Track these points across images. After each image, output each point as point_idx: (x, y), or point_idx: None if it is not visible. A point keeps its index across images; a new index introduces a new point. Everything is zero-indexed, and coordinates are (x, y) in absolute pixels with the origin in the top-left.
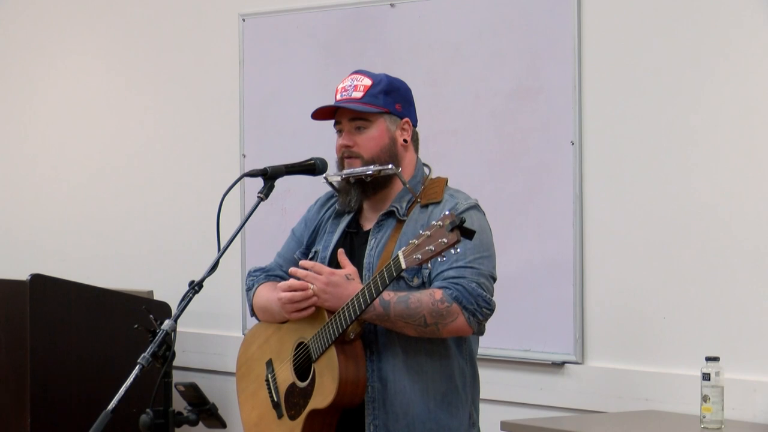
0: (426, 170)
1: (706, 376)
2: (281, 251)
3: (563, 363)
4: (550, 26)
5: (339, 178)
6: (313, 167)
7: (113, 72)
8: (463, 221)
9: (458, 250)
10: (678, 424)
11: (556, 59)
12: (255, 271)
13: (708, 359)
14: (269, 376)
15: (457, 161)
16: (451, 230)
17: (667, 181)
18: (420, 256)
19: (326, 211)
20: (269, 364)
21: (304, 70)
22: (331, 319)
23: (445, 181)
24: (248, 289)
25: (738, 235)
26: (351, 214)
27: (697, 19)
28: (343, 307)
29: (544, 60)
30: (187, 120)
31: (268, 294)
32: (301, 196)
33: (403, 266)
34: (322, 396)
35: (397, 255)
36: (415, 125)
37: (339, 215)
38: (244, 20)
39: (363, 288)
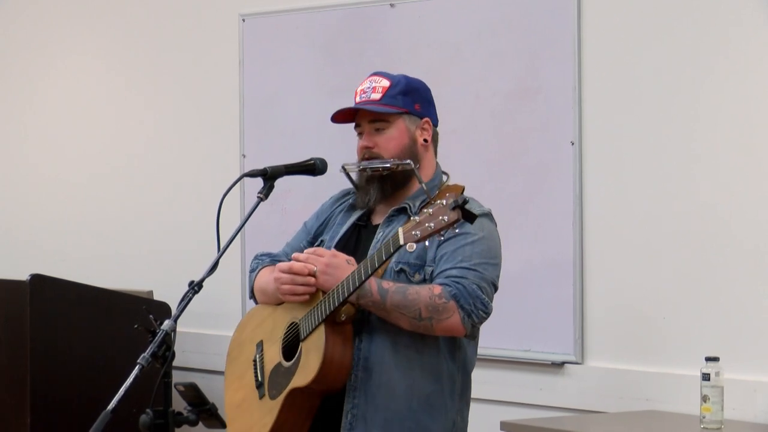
0: (444, 177)
1: (705, 377)
2: (290, 241)
3: (563, 363)
4: (550, 26)
5: (356, 170)
6: (312, 167)
7: (113, 72)
8: (465, 201)
9: (456, 230)
10: (678, 424)
11: (556, 59)
12: (262, 255)
13: (708, 359)
14: (257, 356)
15: (456, 161)
16: (453, 209)
17: (667, 181)
18: (419, 233)
19: (340, 205)
20: (259, 345)
21: (303, 70)
22: (324, 297)
23: (462, 188)
24: (251, 271)
25: (738, 235)
26: (364, 210)
27: (696, 18)
28: (338, 285)
29: (544, 60)
30: (187, 120)
31: (269, 276)
32: (302, 196)
33: (401, 242)
34: (305, 374)
35: (397, 231)
36: (435, 125)
37: (351, 210)
38: (244, 20)
39: (359, 265)
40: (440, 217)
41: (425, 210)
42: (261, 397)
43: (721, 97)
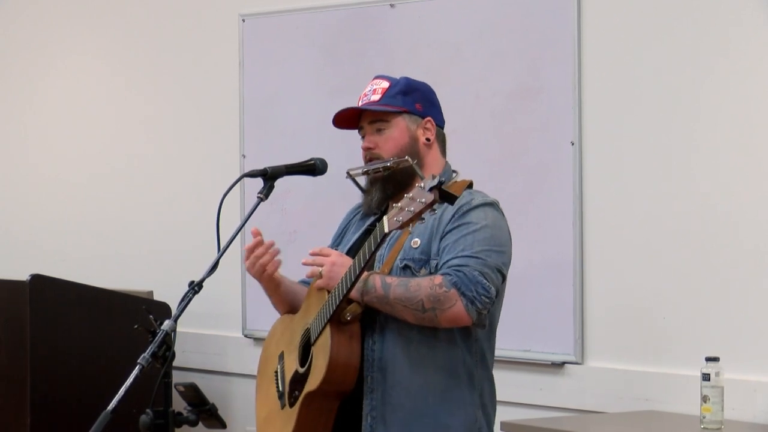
0: (454, 175)
1: (706, 377)
2: None
3: (563, 363)
4: (550, 26)
5: (360, 173)
6: (313, 167)
7: (113, 72)
8: (442, 182)
9: (435, 210)
10: (678, 424)
11: (556, 59)
12: None
13: (708, 359)
14: (278, 368)
15: (456, 161)
16: (430, 190)
17: (667, 181)
18: (401, 218)
19: (354, 216)
20: (281, 356)
21: (303, 70)
22: (328, 297)
23: (469, 182)
24: None
25: (738, 235)
26: (376, 215)
27: (696, 18)
28: (338, 283)
29: (544, 60)
30: (187, 120)
31: None
32: (302, 196)
33: (386, 230)
34: (314, 377)
35: (382, 220)
36: (440, 125)
37: (365, 217)
38: (244, 20)
39: (353, 260)
40: (418, 200)
41: (406, 195)
42: (282, 407)
43: (721, 97)
